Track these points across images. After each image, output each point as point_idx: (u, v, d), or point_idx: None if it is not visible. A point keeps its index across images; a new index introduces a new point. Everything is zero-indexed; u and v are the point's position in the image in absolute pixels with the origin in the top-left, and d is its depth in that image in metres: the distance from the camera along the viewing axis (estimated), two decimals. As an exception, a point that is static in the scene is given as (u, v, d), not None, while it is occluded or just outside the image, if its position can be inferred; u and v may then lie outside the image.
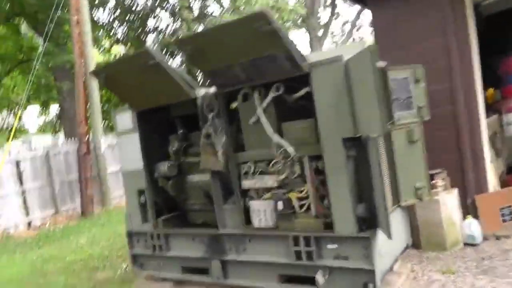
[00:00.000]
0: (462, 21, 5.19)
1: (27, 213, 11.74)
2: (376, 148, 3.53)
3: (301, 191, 4.08)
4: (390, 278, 4.21)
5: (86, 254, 7.49)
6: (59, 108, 18.27)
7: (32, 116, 23.13)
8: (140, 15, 19.64)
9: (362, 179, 3.84)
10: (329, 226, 3.90)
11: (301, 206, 4.09)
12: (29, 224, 11.69)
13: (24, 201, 11.72)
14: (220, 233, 4.50)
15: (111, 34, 20.79)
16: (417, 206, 4.89)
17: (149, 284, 5.12)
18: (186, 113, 4.84)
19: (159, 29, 20.49)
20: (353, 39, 25.77)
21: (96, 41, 18.19)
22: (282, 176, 4.14)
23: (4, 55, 17.08)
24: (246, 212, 4.38)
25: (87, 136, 12.09)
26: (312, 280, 3.91)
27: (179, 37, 4.28)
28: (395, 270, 4.38)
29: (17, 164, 11.70)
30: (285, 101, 4.13)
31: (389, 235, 3.50)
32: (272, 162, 4.15)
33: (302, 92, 4.04)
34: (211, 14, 19.77)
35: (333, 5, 23.70)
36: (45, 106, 21.34)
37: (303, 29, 23.55)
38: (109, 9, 19.92)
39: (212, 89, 4.44)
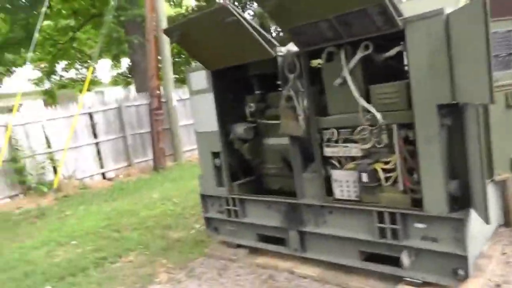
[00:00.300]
0: None
1: (101, 165, 12.18)
2: (476, 118, 3.13)
3: (388, 162, 3.75)
4: (480, 263, 3.86)
5: (159, 210, 7.64)
6: (130, 62, 18.52)
7: (105, 69, 23.70)
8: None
9: (456, 152, 3.45)
10: (417, 202, 3.57)
11: (387, 179, 3.76)
12: (103, 175, 12.14)
13: (98, 153, 12.13)
14: (299, 202, 4.29)
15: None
16: (510, 179, 4.42)
17: (223, 249, 5.07)
18: (264, 72, 4.58)
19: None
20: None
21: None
22: (368, 145, 3.81)
23: (77, 10, 17.38)
24: (327, 182, 4.12)
25: (159, 90, 12.16)
26: (396, 260, 3.64)
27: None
28: (485, 253, 4.03)
29: (91, 116, 12.04)
30: (373, 61, 3.74)
31: (487, 220, 3.14)
32: (358, 129, 3.82)
33: (394, 51, 3.64)
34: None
35: None
36: (116, 59, 21.71)
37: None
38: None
39: (294, 48, 4.12)
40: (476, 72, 2.81)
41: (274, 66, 4.25)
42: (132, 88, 20.57)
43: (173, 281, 4.63)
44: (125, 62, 22.09)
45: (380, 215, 3.74)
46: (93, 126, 12.15)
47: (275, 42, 4.25)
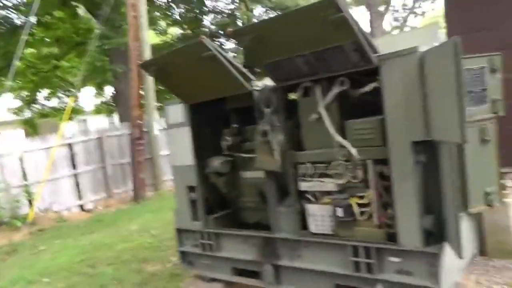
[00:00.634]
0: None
1: (80, 197, 12.01)
2: (450, 155, 3.18)
3: (363, 197, 3.77)
4: (455, 293, 3.89)
5: (136, 243, 7.52)
6: (114, 91, 18.52)
7: (88, 97, 23.61)
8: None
9: (431, 187, 3.49)
10: (392, 237, 3.58)
11: (362, 213, 3.78)
12: (82, 207, 11.96)
13: (77, 185, 11.98)
14: (274, 236, 4.27)
15: (168, 14, 20.79)
16: (485, 212, 4.46)
17: (198, 283, 4.99)
18: (241, 106, 4.60)
19: (217, 9, 20.30)
20: (415, 14, 24.72)
21: (152, 22, 18.21)
22: (343, 180, 3.82)
23: (61, 37, 17.42)
24: (302, 216, 4.11)
25: (141, 120, 12.13)
26: (370, 293, 3.63)
27: (235, 29, 3.93)
28: (460, 283, 4.04)
29: (70, 147, 11.93)
30: (349, 97, 3.80)
31: (460, 255, 3.16)
32: (333, 164, 3.84)
33: (370, 87, 3.70)
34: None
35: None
36: (100, 88, 21.70)
37: (363, 6, 22.78)
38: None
39: (270, 83, 4.17)
40: (448, 111, 2.85)
41: (250, 100, 4.28)
42: (116, 116, 20.50)
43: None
44: (109, 90, 22.03)
45: (355, 249, 3.72)
46: (72, 157, 12.02)
47: (252, 76, 4.29)
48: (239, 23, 19.94)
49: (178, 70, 4.48)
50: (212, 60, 4.00)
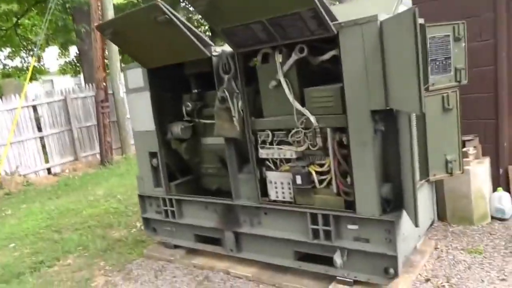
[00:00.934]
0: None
1: (47, 160, 11.78)
2: (409, 124, 3.17)
3: (322, 165, 3.77)
4: (413, 258, 3.99)
5: (103, 208, 7.48)
6: (78, 51, 17.94)
7: (52, 57, 22.86)
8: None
9: (389, 156, 3.51)
10: (350, 205, 3.61)
11: (321, 181, 3.79)
12: (49, 171, 11.75)
13: (43, 148, 11.72)
14: (234, 204, 4.26)
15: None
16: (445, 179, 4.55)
17: (162, 250, 4.98)
18: (201, 71, 4.47)
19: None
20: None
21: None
22: (303, 148, 3.80)
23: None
24: (263, 183, 4.10)
25: (105, 82, 11.82)
26: (329, 260, 3.67)
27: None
28: (419, 249, 4.14)
29: (35, 109, 11.60)
30: (308, 64, 3.74)
31: (416, 223, 3.20)
32: (292, 132, 3.81)
33: (329, 55, 3.63)
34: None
35: None
36: (64, 48, 20.97)
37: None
38: None
39: (229, 49, 4.05)
40: (407, 82, 2.81)
41: (210, 65, 4.17)
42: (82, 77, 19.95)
43: (109, 284, 4.52)
44: (74, 50, 21.35)
45: (314, 216, 3.75)
46: (37, 119, 11.69)
47: (210, 42, 4.16)
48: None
49: (135, 33, 4.30)
50: (168, 25, 3.85)
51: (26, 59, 21.18)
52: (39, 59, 20.85)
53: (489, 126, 4.84)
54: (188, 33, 3.92)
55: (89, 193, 8.81)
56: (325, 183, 3.78)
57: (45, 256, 5.53)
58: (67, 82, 25.78)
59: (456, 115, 3.81)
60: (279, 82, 3.76)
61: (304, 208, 3.83)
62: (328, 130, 3.61)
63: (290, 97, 3.71)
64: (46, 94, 12.20)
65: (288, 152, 3.88)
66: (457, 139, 3.86)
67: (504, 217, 4.70)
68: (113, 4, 12.80)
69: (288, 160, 3.95)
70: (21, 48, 20.58)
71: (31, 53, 20.18)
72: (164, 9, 3.78)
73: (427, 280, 3.82)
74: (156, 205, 4.98)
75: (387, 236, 3.44)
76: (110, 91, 12.42)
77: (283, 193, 3.99)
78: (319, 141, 3.70)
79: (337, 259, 3.62)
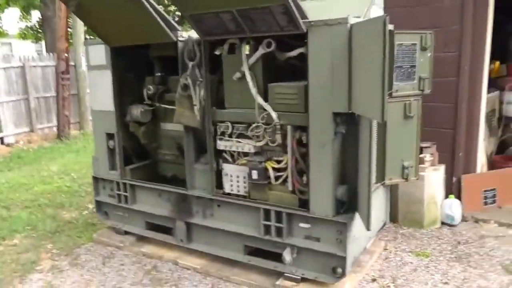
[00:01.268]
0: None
1: (0, 129, 11.31)
2: (369, 130, 3.18)
3: (280, 162, 3.75)
4: (362, 258, 4.06)
5: (55, 186, 7.24)
6: (41, 17, 17.22)
7: (12, 19, 21.84)
8: None
9: (347, 158, 3.52)
10: (304, 203, 3.62)
11: (277, 178, 3.77)
12: (2, 140, 11.29)
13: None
14: (188, 193, 4.20)
15: None
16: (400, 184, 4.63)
17: (112, 235, 4.87)
18: (166, 55, 4.34)
19: None
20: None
21: None
22: (261, 143, 3.76)
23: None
24: (219, 174, 4.06)
25: (67, 53, 11.39)
26: (279, 256, 3.69)
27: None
28: (368, 249, 4.20)
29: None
30: (275, 59, 3.70)
31: (368, 227, 3.24)
32: (252, 126, 3.76)
33: (295, 52, 3.60)
34: None
35: None
36: (25, 11, 20.04)
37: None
38: None
39: (196, 35, 3.95)
40: (372, 89, 2.80)
41: (175, 50, 4.06)
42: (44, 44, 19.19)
43: (55, 269, 4.37)
44: (37, 15, 20.46)
45: (267, 212, 3.75)
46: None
47: (177, 26, 4.05)
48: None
49: (101, 9, 4.12)
50: (136, 4, 3.72)
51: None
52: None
53: (447, 136, 4.94)
54: (155, 15, 3.80)
55: (42, 168, 8.52)
56: (281, 180, 3.77)
57: (-10, 235, 5.31)
58: (27, 48, 24.79)
59: (417, 123, 3.87)
60: (244, 75, 3.71)
61: (258, 203, 3.82)
62: (289, 127, 3.59)
63: (253, 91, 3.66)
64: (3, 58, 11.67)
65: (247, 146, 3.84)
66: (415, 147, 3.92)
67: (453, 223, 4.84)
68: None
69: (246, 154, 3.91)
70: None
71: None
72: (132, -12, 3.64)
73: (374, 280, 3.90)
74: (109, 188, 4.86)
75: (338, 236, 3.48)
76: (72, 63, 11.99)
77: (238, 186, 3.96)
78: (278, 137, 3.67)
79: (287, 256, 3.63)
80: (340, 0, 4.37)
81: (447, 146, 4.96)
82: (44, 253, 4.76)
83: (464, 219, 4.95)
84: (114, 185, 4.77)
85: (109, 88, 4.58)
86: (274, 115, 3.59)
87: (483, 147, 5.24)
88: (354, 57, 3.13)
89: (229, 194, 4.03)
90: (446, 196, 4.96)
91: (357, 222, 3.52)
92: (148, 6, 3.72)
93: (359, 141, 3.39)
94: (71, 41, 12.23)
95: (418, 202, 4.79)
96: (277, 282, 3.73)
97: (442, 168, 4.91)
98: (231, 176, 3.97)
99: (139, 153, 4.88)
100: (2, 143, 11.23)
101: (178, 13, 17.82)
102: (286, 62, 3.74)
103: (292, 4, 3.11)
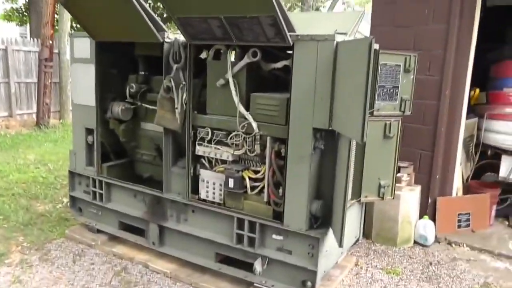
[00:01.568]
0: (470, 8, 4.74)
1: (-22, 112, 11.12)
2: (348, 148, 3.18)
3: (257, 172, 3.75)
4: (332, 272, 4.06)
5: (31, 175, 7.11)
6: (28, 0, 16.92)
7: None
8: None
9: (324, 173, 3.53)
10: (278, 215, 3.62)
11: (253, 188, 3.76)
12: (-21, 123, 11.10)
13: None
14: (163, 197, 4.16)
15: None
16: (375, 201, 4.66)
17: (84, 233, 4.78)
18: (151, 54, 4.30)
19: None
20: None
21: None
22: (240, 152, 3.76)
23: None
24: (195, 180, 4.03)
25: (52, 40, 11.21)
26: (250, 266, 3.68)
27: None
28: (339, 264, 4.22)
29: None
30: (260, 69, 3.69)
31: (340, 245, 3.26)
32: (232, 134, 3.74)
33: (280, 64, 3.61)
34: None
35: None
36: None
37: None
38: None
39: (182, 38, 3.92)
40: (353, 109, 2.80)
41: (161, 51, 4.01)
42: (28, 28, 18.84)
43: (24, 264, 4.27)
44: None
45: (241, 221, 3.73)
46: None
47: (164, 26, 4.01)
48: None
49: (88, 2, 4.07)
50: (124, 1, 3.67)
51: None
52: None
53: (425, 157, 4.99)
54: (143, 14, 3.75)
55: (19, 156, 8.37)
56: (256, 190, 3.76)
57: (-41, 223, 5.18)
58: (11, 30, 24.29)
59: (396, 144, 3.90)
60: (227, 82, 3.69)
61: (232, 211, 3.80)
62: (268, 138, 3.58)
63: (236, 99, 3.64)
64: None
65: (225, 153, 3.82)
66: (393, 167, 3.95)
67: (426, 244, 4.88)
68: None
69: (224, 162, 3.90)
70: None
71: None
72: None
73: (342, 295, 3.91)
74: (85, 184, 4.78)
75: (310, 251, 3.49)
76: (56, 50, 11.82)
77: (213, 193, 3.94)
78: (257, 147, 3.66)
79: (257, 266, 3.63)
80: (328, 15, 4.39)
81: (424, 167, 5.01)
82: (14, 245, 4.66)
83: (437, 240, 4.99)
84: (90, 182, 4.70)
85: (91, 83, 4.51)
86: (254, 125, 3.58)
87: (459, 171, 5.31)
88: (338, 75, 3.14)
89: (204, 200, 4.01)
90: (421, 217, 5.00)
91: (330, 237, 3.53)
92: (136, 4, 3.68)
93: (338, 158, 3.40)
94: (56, 27, 12.05)
95: (392, 220, 4.82)
96: (247, 292, 3.72)
97: (418, 189, 4.96)
98: (208, 182, 3.95)
99: (117, 151, 4.82)
100: (-21, 126, 11.04)
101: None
102: (270, 72, 3.73)
103: (280, 16, 3.10)
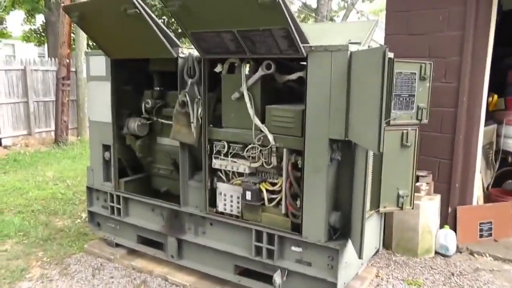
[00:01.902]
0: (486, 13, 4.69)
1: (-2, 131, 11.31)
2: (366, 158, 3.16)
3: (274, 184, 3.73)
4: (352, 284, 3.99)
5: (50, 192, 7.19)
6: (45, 21, 17.27)
7: (17, 21, 21.87)
8: None
9: (341, 184, 3.50)
10: (297, 227, 3.59)
11: (270, 200, 3.75)
12: (0, 142, 11.26)
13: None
14: (181, 210, 4.17)
15: None
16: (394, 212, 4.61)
17: (103, 247, 4.82)
18: (166, 70, 4.34)
19: None
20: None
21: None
22: (256, 164, 3.76)
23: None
24: (212, 193, 4.04)
25: (69, 59, 11.40)
26: (269, 278, 3.65)
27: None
28: (359, 274, 4.16)
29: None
30: (274, 81, 3.69)
31: (360, 256, 3.22)
32: (248, 147, 3.74)
33: (294, 76, 3.61)
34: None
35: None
36: (30, 15, 20.09)
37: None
38: None
39: (196, 53, 3.95)
40: (369, 119, 2.79)
41: (175, 66, 4.05)
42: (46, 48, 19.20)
43: (45, 278, 4.32)
44: (41, 18, 20.51)
45: (259, 234, 3.72)
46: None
47: (178, 42, 4.05)
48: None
49: (103, 21, 4.14)
50: (138, 19, 3.72)
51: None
52: (1, 21, 20.00)
53: (443, 166, 4.92)
54: (157, 30, 3.80)
55: (38, 173, 8.48)
56: (274, 202, 3.75)
57: (-18, 238, 5.26)
58: (30, 50, 24.81)
59: (413, 153, 3.86)
60: (242, 95, 3.70)
61: (250, 224, 3.79)
62: (285, 150, 3.57)
63: (251, 112, 3.65)
64: (5, 61, 11.68)
65: (242, 166, 3.82)
66: (411, 176, 3.90)
67: (448, 254, 4.78)
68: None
69: (240, 174, 3.89)
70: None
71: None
72: (136, 2, 3.65)
73: (363, 308, 3.85)
74: (103, 199, 4.83)
75: (330, 262, 3.45)
76: (73, 69, 12.03)
77: (231, 206, 3.94)
78: (274, 160, 3.66)
79: (277, 278, 3.60)
80: (342, 24, 4.39)
81: (443, 176, 4.94)
82: (34, 261, 4.70)
83: (458, 250, 4.89)
84: (107, 197, 4.74)
85: (107, 100, 4.58)
86: (270, 137, 3.58)
87: (479, 179, 5.22)
88: (353, 85, 3.13)
89: (222, 213, 4.01)
90: (441, 226, 4.92)
91: (350, 248, 3.49)
92: (150, 21, 3.73)
93: (355, 169, 3.38)
94: (73, 46, 12.26)
95: (412, 230, 4.75)
96: (266, 304, 3.68)
97: (437, 198, 4.88)
98: (225, 195, 3.95)
99: (134, 166, 4.86)
100: (0, 144, 11.21)
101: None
102: (285, 84, 3.74)
103: (293, 28, 3.11)
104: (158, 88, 4.56)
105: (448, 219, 4.97)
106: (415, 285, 4.22)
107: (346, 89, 3.18)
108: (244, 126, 3.74)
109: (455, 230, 4.90)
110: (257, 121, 3.64)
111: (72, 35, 11.89)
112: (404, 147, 3.85)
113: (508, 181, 5.80)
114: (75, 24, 11.57)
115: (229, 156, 3.88)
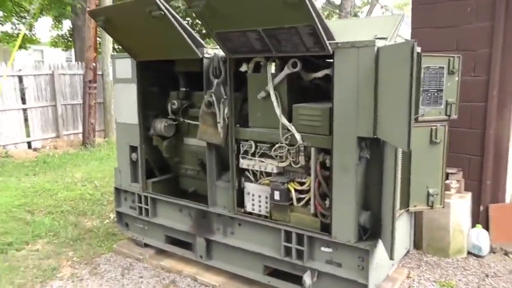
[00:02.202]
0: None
1: (28, 134, 11.55)
2: (394, 156, 3.11)
3: (303, 184, 3.70)
4: (383, 285, 3.92)
5: (78, 193, 7.31)
6: (72, 26, 17.58)
7: (45, 27, 22.34)
8: None
9: (372, 184, 3.44)
10: (326, 227, 3.55)
11: (299, 200, 3.71)
12: (29, 145, 11.52)
13: (26, 120, 11.48)
14: (209, 210, 4.17)
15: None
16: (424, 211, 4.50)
17: (131, 247, 4.87)
18: (191, 70, 4.34)
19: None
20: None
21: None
22: (284, 164, 3.72)
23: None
24: (240, 193, 4.02)
25: (95, 63, 11.58)
26: (299, 279, 3.61)
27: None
28: (390, 276, 4.09)
29: (20, 79, 11.31)
30: (300, 79, 3.66)
31: (391, 257, 3.16)
32: (276, 146, 3.72)
33: (321, 73, 3.57)
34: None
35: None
36: (58, 20, 20.50)
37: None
38: None
39: (221, 52, 3.94)
40: (398, 116, 2.74)
41: (200, 66, 4.06)
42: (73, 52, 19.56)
43: (75, 277, 4.39)
44: (67, 24, 20.91)
45: (288, 234, 3.69)
46: (22, 91, 11.43)
47: (202, 42, 4.06)
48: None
49: (128, 24, 4.18)
50: (163, 21, 3.74)
51: (17, 26, 20.65)
52: (30, 27, 20.44)
53: (474, 162, 4.81)
54: (181, 31, 3.80)
55: (66, 175, 8.63)
56: (303, 202, 3.71)
57: (15, 238, 5.36)
58: (57, 55, 25.33)
59: (443, 149, 3.78)
60: (268, 94, 3.68)
61: (279, 224, 3.76)
62: (313, 149, 3.53)
63: (278, 111, 3.62)
64: (34, 66, 11.95)
65: (270, 166, 3.80)
66: (441, 173, 3.83)
67: (480, 254, 4.65)
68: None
69: (268, 174, 3.87)
70: (13, 14, 20.00)
71: (23, 20, 19.72)
72: (160, 4, 3.66)
73: (394, 309, 3.78)
74: (131, 200, 4.87)
75: (360, 263, 3.40)
76: (99, 72, 12.21)
77: (259, 206, 3.92)
78: (302, 159, 3.61)
79: (307, 279, 3.56)
80: (367, 20, 4.34)
81: (474, 173, 4.82)
82: (65, 260, 4.80)
83: (492, 251, 4.75)
84: (135, 197, 4.78)
85: (134, 102, 4.62)
86: (298, 136, 3.54)
87: (512, 176, 5.09)
88: (380, 81, 3.07)
89: (250, 213, 3.99)
90: (473, 225, 4.80)
91: (380, 248, 3.44)
92: (174, 22, 3.74)
93: (384, 167, 3.32)
94: (99, 50, 12.43)
95: (443, 229, 4.64)
96: (296, 305, 3.65)
97: (468, 196, 4.76)
98: (253, 195, 3.94)
99: (161, 166, 4.89)
100: (29, 147, 11.46)
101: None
102: (311, 82, 3.70)
103: (319, 25, 3.07)
104: (184, 89, 4.57)
105: (480, 218, 4.85)
106: (447, 287, 4.13)
107: (373, 86, 3.12)
108: (271, 125, 3.72)
109: (487, 229, 4.77)
110: (284, 120, 3.61)
111: (98, 39, 12.08)
112: (433, 143, 3.78)
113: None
114: (100, 28, 11.80)
115: (257, 156, 3.86)
